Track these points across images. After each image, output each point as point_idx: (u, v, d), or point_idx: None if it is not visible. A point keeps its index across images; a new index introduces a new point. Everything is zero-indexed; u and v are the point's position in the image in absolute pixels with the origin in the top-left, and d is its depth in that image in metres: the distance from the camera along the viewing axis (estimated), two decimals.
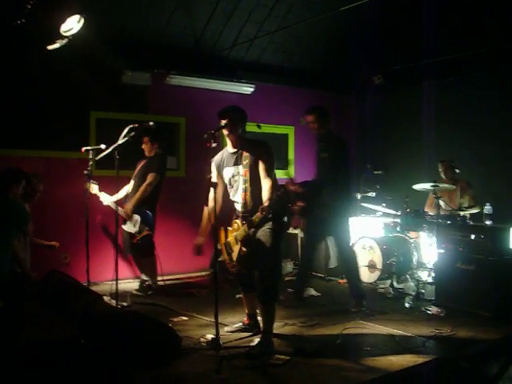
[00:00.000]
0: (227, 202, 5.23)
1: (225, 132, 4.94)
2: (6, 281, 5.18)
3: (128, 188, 7.13)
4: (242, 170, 4.90)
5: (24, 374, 3.57)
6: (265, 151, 4.91)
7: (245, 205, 4.90)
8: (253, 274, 5.01)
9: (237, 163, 4.97)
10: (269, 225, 4.84)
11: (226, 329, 5.39)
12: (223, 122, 4.88)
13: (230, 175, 5.02)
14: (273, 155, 4.93)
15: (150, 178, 6.86)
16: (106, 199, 6.87)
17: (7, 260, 5.29)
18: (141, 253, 7.07)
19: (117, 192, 6.78)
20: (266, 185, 4.77)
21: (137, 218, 6.82)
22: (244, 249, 4.84)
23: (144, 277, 7.19)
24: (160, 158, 7.11)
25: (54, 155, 7.61)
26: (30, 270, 5.77)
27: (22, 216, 5.51)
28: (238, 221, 4.93)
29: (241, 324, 5.44)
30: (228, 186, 5.11)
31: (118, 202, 6.99)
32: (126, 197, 7.10)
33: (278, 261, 5.02)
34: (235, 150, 5.02)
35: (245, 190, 4.88)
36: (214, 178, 5.07)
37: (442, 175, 7.65)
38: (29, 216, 5.67)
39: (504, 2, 7.76)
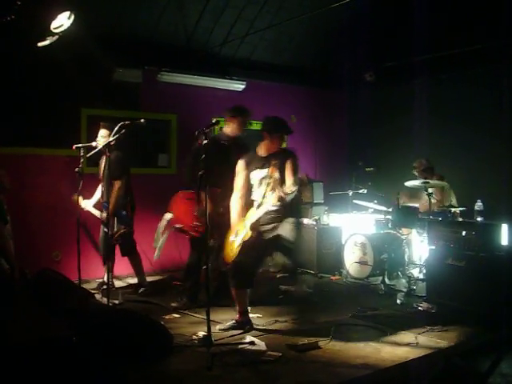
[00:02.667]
0: None
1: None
2: None
3: (101, 188, 6.99)
4: (269, 171, 5.17)
5: (15, 372, 3.55)
6: (292, 156, 5.35)
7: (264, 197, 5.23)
8: (256, 270, 5.32)
9: (266, 166, 5.25)
10: (292, 220, 5.29)
11: (219, 327, 5.40)
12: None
13: (259, 177, 5.36)
14: (298, 161, 5.37)
15: (116, 184, 6.63)
16: (87, 205, 6.83)
17: None
18: (121, 252, 6.98)
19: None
20: (288, 181, 5.14)
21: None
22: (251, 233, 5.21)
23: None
24: (119, 159, 6.63)
25: (45, 153, 7.58)
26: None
27: None
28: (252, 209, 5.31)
29: (233, 322, 5.45)
30: (254, 187, 5.44)
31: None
32: (102, 196, 7.01)
33: (298, 252, 5.64)
34: (267, 154, 5.38)
35: (267, 186, 5.18)
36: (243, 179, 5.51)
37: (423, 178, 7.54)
38: None
39: None
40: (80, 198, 6.78)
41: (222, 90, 9.10)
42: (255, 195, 5.40)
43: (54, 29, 5.50)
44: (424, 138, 8.50)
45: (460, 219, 6.81)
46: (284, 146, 5.77)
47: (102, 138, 6.55)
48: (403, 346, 4.85)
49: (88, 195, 6.88)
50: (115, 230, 6.73)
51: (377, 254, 7.45)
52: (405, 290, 6.74)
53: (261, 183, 5.35)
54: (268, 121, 5.53)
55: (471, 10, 8.21)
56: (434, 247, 6.45)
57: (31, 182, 7.23)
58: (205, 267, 4.74)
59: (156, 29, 8.30)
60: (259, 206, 5.23)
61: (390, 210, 7.53)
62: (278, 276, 8.08)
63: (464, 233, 6.13)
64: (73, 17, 5.51)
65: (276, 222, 5.30)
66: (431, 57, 8.57)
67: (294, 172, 5.25)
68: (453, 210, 7.07)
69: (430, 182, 6.96)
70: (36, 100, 7.35)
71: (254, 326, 5.46)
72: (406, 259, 7.30)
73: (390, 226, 7.63)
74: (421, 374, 4.59)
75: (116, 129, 5.69)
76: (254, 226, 5.23)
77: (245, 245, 5.24)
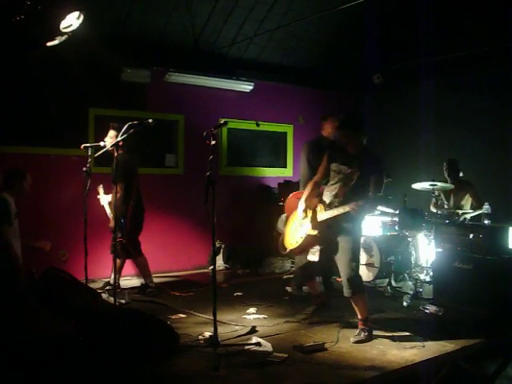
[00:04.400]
0: None
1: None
2: None
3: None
4: (349, 170, 5.13)
5: (22, 372, 3.57)
6: (380, 170, 5.12)
7: (335, 195, 5.15)
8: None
9: (348, 164, 5.14)
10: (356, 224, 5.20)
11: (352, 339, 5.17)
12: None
13: (337, 169, 5.22)
14: (384, 174, 5.19)
15: (118, 189, 6.33)
16: (103, 199, 6.86)
17: None
18: (125, 255, 6.94)
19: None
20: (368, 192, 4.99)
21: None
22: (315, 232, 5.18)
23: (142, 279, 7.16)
24: (126, 162, 6.59)
25: (53, 152, 7.60)
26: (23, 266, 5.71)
27: None
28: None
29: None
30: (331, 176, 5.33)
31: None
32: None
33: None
34: (354, 153, 5.19)
35: (342, 185, 5.15)
36: None
37: (446, 175, 7.58)
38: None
39: (504, 0, 7.74)
40: (101, 190, 6.82)
41: (230, 90, 9.11)
42: (328, 189, 5.29)
43: (63, 29, 5.52)
44: (431, 139, 8.48)
45: (469, 223, 6.79)
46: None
47: (110, 139, 6.56)
48: (410, 349, 4.83)
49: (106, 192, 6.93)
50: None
51: (383, 257, 7.43)
52: (411, 292, 6.72)
53: (337, 178, 5.22)
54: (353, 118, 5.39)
55: (478, 13, 8.20)
56: (440, 250, 6.44)
57: (39, 182, 7.24)
58: (211, 267, 4.71)
59: (164, 29, 8.32)
60: (330, 204, 5.14)
61: (397, 212, 7.51)
62: (284, 277, 8.12)
63: (471, 236, 6.12)
64: (82, 17, 5.53)
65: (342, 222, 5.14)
66: (439, 59, 8.54)
67: (376, 187, 5.01)
68: (461, 212, 7.06)
69: (438, 184, 6.94)
70: (44, 99, 7.37)
71: (260, 327, 5.47)
72: (413, 262, 7.27)
73: (396, 228, 7.60)
74: (427, 376, 4.59)
75: (124, 129, 5.71)
76: (319, 225, 5.15)
77: (307, 240, 5.28)
